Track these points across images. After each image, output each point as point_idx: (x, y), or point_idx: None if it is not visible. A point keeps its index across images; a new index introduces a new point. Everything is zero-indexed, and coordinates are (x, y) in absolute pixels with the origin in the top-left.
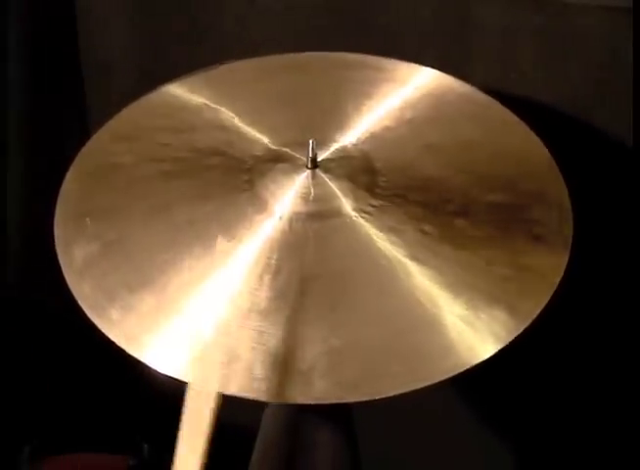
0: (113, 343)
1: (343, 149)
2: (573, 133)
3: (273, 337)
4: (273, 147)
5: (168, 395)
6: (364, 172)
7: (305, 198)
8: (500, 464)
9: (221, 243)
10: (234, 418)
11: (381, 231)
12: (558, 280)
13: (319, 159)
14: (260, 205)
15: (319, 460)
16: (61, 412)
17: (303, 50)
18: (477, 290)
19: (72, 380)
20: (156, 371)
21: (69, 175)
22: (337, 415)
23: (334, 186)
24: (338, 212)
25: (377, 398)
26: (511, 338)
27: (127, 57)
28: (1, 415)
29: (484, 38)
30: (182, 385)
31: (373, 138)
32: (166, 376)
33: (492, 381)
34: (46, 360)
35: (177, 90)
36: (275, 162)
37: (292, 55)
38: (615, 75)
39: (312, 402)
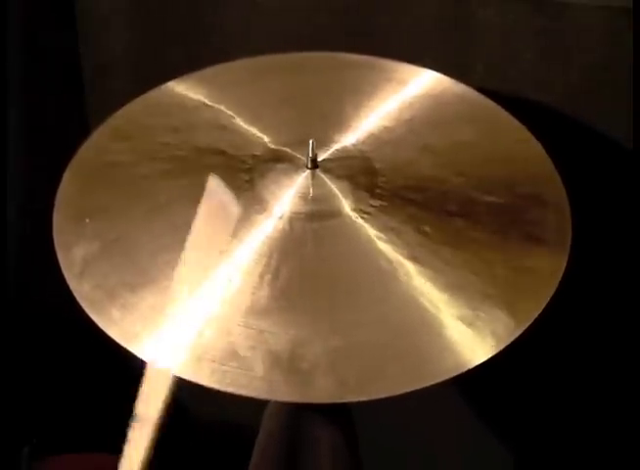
0: (113, 342)
1: (343, 149)
2: (573, 133)
3: (273, 336)
4: (273, 147)
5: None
6: (364, 173)
7: (305, 198)
8: (500, 464)
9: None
10: (234, 417)
11: (380, 232)
12: (557, 281)
13: (319, 159)
14: (260, 205)
15: (319, 458)
16: (61, 412)
17: (305, 51)
18: (476, 291)
19: (72, 380)
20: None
21: (68, 174)
22: (337, 413)
23: (333, 186)
24: (337, 213)
25: (377, 398)
26: (511, 339)
27: (128, 57)
28: (1, 415)
29: (484, 38)
30: (182, 385)
31: (372, 138)
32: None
33: (492, 381)
34: (46, 360)
35: (176, 88)
36: (275, 162)
37: (291, 54)
38: (615, 75)
39: (313, 402)
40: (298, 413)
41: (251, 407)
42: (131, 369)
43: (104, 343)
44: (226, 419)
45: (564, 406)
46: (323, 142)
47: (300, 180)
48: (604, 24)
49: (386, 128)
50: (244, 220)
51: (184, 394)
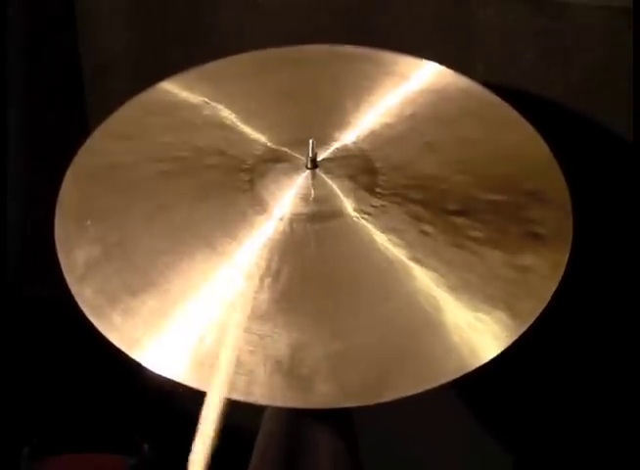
0: (113, 344)
1: (343, 148)
2: (574, 133)
3: (274, 341)
4: (273, 146)
5: (168, 396)
6: (364, 172)
7: (306, 198)
8: (500, 464)
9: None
10: (234, 419)
11: (382, 232)
12: (558, 280)
13: (319, 158)
14: (261, 206)
15: (319, 461)
16: (61, 412)
17: None
18: (477, 291)
19: (72, 380)
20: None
21: (69, 176)
22: (337, 416)
23: (334, 186)
24: (338, 213)
25: (379, 402)
26: (512, 339)
27: (128, 57)
28: (1, 415)
29: (484, 38)
30: (181, 387)
31: (373, 136)
32: (166, 377)
33: (492, 381)
34: (46, 361)
35: (175, 87)
36: (275, 161)
37: (290, 48)
38: (615, 75)
39: (314, 407)
40: (298, 416)
41: (250, 409)
42: (131, 370)
43: (104, 343)
44: (225, 420)
45: (564, 406)
46: (323, 140)
47: (300, 180)
48: (604, 24)
49: (387, 125)
50: (244, 222)
51: (182, 394)
